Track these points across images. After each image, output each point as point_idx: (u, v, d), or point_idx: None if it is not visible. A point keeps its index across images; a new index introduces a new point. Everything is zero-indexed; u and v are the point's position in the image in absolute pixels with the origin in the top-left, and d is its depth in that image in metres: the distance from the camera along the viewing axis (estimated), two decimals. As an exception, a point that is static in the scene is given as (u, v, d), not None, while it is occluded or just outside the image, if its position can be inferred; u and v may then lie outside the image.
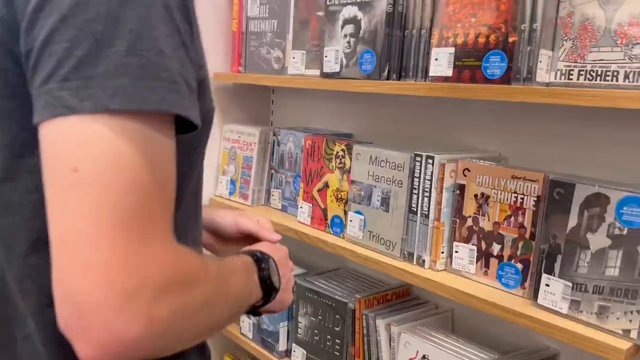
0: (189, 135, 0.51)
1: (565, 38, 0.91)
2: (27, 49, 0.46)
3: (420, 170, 1.09)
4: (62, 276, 0.43)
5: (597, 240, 0.84)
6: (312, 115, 1.60)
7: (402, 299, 1.32)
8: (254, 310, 0.71)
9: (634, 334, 0.81)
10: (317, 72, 1.28)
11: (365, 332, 1.24)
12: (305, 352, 1.39)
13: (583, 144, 1.04)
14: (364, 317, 1.24)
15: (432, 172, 1.06)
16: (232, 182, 1.60)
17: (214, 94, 1.61)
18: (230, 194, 1.60)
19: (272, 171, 1.54)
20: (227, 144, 1.62)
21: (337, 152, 1.28)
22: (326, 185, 1.32)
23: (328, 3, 1.21)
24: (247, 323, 1.55)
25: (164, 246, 0.46)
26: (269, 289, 0.69)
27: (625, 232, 0.82)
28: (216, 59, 1.59)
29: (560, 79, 0.92)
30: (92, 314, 0.42)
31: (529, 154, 1.11)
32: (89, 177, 0.43)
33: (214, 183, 1.66)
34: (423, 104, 1.30)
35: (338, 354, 1.30)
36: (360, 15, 1.14)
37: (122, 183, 0.44)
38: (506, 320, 0.94)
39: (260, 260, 0.69)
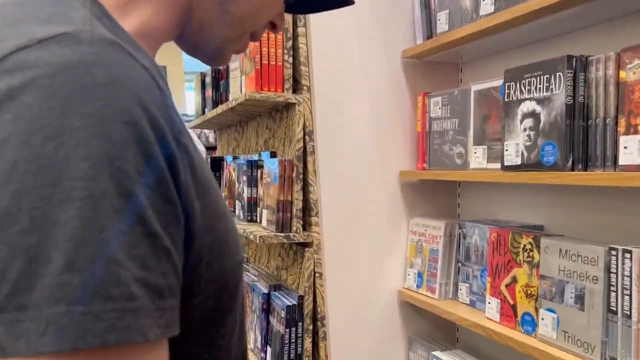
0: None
1: None
2: None
3: (617, 265, 1.00)
4: None
5: None
6: (500, 207, 1.59)
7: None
8: None
9: None
10: (498, 165, 1.30)
11: None
12: None
13: None
14: None
15: (630, 268, 0.98)
16: (420, 275, 1.63)
17: (401, 190, 1.71)
18: (418, 286, 1.63)
19: (459, 264, 1.54)
20: (414, 237, 1.68)
21: (524, 245, 1.25)
22: (514, 280, 1.28)
23: (506, 99, 1.24)
24: (437, 422, 1.50)
25: None
26: None
27: None
28: (402, 158, 1.70)
29: None
30: None
31: None
32: None
33: (402, 275, 1.71)
34: (620, 194, 1.21)
35: None
36: (538, 109, 1.15)
37: None
38: None
39: None
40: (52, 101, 0.36)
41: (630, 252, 0.98)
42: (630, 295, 0.98)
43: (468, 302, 1.49)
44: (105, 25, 0.43)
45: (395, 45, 1.68)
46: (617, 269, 1.00)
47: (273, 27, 0.67)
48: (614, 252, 1.01)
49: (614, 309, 1.01)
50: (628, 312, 0.98)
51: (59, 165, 0.35)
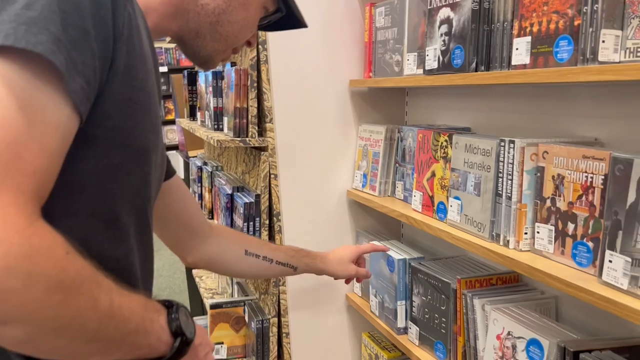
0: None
1: (633, 16, 0.91)
2: None
3: (504, 154, 1.15)
4: None
5: (657, 215, 0.83)
6: (440, 113, 1.71)
7: (508, 284, 1.36)
8: None
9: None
10: (422, 71, 1.41)
11: (464, 310, 1.32)
12: (418, 329, 1.51)
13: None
14: (463, 296, 1.32)
15: (513, 156, 1.12)
16: (365, 175, 1.79)
17: (351, 99, 1.83)
18: (363, 186, 1.79)
19: (397, 165, 1.69)
20: (362, 142, 1.82)
21: (442, 143, 1.39)
22: (433, 174, 1.43)
23: (429, 7, 1.34)
24: (374, 302, 1.72)
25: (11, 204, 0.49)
26: (179, 335, 0.65)
27: (682, 206, 0.79)
28: (352, 68, 1.81)
29: (629, 57, 0.92)
30: None
31: (627, 137, 1.08)
32: None
33: (351, 177, 1.87)
34: (528, 93, 1.33)
35: (444, 331, 1.39)
36: (452, 15, 1.25)
37: None
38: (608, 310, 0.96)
39: (171, 305, 0.67)
40: None
41: (513, 142, 1.12)
42: (512, 180, 1.13)
43: (402, 198, 1.65)
44: None
45: (345, -44, 1.74)
46: (504, 157, 1.15)
47: (249, 44, 0.93)
48: (502, 144, 1.15)
49: (500, 192, 1.16)
50: (510, 195, 1.13)
51: None
